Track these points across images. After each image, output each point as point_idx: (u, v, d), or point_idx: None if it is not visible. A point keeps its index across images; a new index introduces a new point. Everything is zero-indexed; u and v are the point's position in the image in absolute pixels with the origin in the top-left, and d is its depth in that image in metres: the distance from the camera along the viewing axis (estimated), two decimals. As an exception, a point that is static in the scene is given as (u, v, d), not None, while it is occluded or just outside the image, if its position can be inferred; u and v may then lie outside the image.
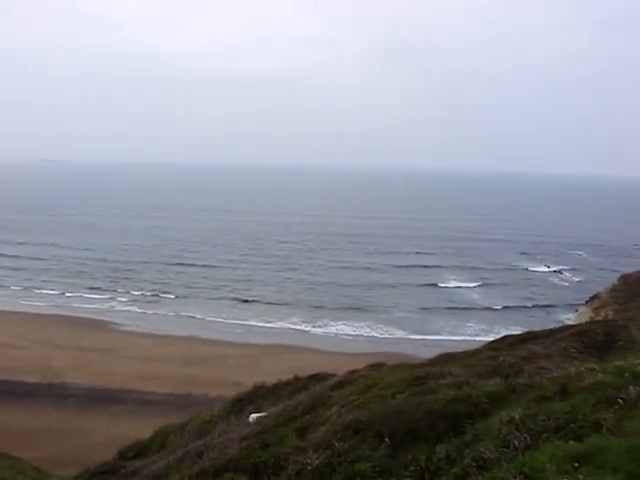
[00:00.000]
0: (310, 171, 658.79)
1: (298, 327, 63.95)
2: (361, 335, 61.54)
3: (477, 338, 55.61)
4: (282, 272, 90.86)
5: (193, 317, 66.46)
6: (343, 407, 13.71)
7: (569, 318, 63.30)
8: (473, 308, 73.17)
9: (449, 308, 73.50)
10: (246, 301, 74.15)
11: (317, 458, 10.49)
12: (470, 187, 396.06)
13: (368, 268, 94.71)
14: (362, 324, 65.14)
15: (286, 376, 23.95)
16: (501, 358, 13.49)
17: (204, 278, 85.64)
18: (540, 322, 58.49)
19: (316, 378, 21.85)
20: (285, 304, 73.38)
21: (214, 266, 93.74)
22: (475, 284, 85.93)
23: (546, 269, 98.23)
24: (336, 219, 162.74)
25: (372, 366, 19.85)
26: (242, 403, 21.68)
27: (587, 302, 56.56)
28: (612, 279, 61.09)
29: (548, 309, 74.13)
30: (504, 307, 74.78)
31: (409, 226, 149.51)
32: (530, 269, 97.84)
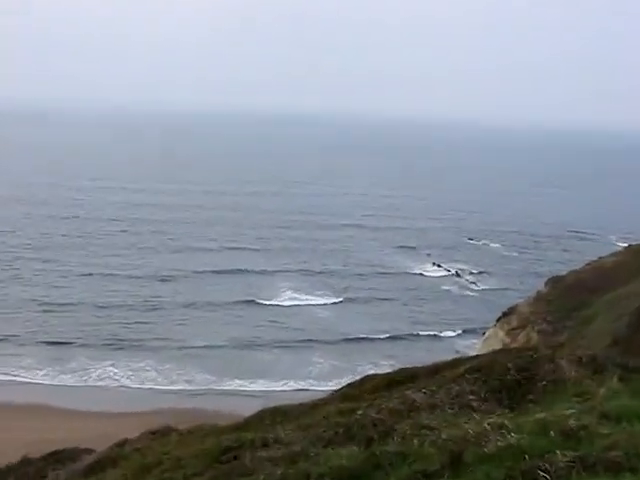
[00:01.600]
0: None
1: (34, 375, 62.44)
2: (139, 383, 61.27)
3: (324, 383, 57.32)
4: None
5: None
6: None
7: (470, 346, 66.86)
8: (318, 340, 75.23)
9: (280, 341, 75.37)
10: None
11: None
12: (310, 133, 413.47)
13: (159, 276, 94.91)
14: (141, 364, 65.04)
15: (12, 458, 23.41)
16: (359, 413, 14.06)
17: None
18: (425, 354, 61.24)
19: (58, 458, 21.54)
20: (10, 339, 71.50)
21: None
22: (326, 299, 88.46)
23: (438, 271, 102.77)
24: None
25: (154, 433, 19.95)
26: None
27: (499, 320, 59.90)
28: (537, 284, 65.14)
29: (439, 333, 77.76)
30: (370, 334, 77.71)
31: (219, 203, 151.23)
32: (413, 271, 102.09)
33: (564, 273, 63.96)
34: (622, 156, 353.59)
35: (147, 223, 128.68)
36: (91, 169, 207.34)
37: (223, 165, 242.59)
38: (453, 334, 77.79)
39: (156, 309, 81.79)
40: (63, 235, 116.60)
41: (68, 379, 62.21)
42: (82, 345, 70.88)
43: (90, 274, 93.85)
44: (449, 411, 13.27)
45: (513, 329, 53.64)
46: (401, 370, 19.17)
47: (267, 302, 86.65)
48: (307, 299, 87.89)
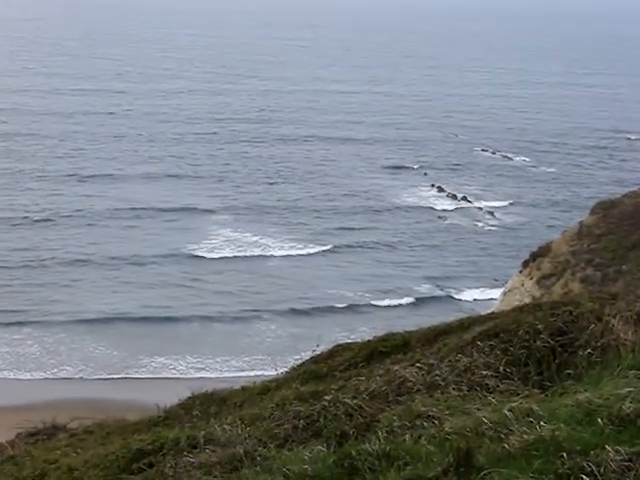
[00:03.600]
0: None
1: None
2: (16, 367, 61.38)
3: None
4: None
5: None
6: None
7: (488, 300, 67.30)
8: (265, 311, 75.08)
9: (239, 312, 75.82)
10: None
11: None
12: None
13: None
14: (21, 338, 65.09)
15: None
16: (328, 398, 14.07)
17: None
18: (424, 313, 61.58)
19: None
20: None
21: None
22: (284, 239, 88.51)
23: (444, 197, 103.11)
24: None
25: (34, 434, 20.01)
26: None
27: (526, 265, 60.21)
28: (579, 213, 65.50)
29: (445, 284, 78.25)
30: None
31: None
32: (409, 200, 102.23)
33: (618, 197, 64.25)
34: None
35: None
36: None
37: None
38: (467, 283, 78.06)
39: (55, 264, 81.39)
40: None
41: None
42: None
43: None
44: (454, 393, 13.29)
45: (545, 277, 53.92)
46: (386, 336, 19.01)
47: (205, 255, 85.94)
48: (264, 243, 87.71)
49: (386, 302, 72.83)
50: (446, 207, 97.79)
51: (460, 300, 71.50)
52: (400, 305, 75.34)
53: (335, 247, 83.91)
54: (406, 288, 75.24)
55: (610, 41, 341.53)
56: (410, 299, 75.32)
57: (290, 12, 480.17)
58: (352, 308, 72.37)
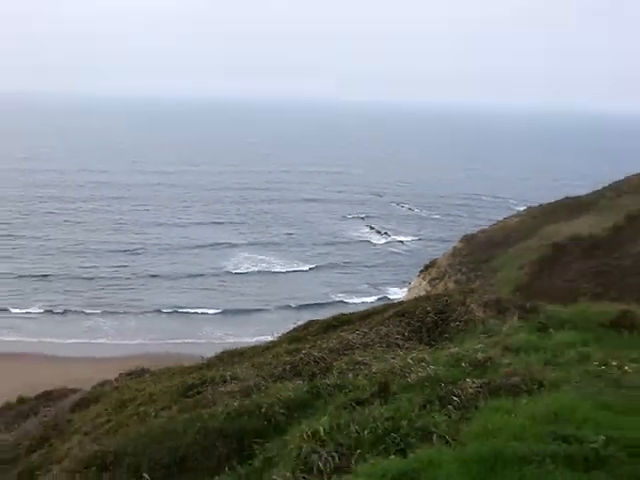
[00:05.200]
0: None
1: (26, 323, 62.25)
2: (120, 331, 61.03)
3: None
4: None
5: None
6: (87, 435, 13.57)
7: (398, 294, 67.47)
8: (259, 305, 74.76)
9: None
10: None
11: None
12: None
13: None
14: (122, 320, 64.66)
15: (5, 399, 23.12)
16: (303, 352, 14.15)
17: None
18: (366, 303, 61.55)
19: (49, 397, 21.38)
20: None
21: None
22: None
23: (375, 234, 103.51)
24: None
25: (130, 374, 19.85)
26: None
27: (421, 272, 60.39)
28: (453, 241, 65.72)
29: (378, 285, 78.41)
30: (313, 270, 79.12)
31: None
32: (355, 236, 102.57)
33: (475, 232, 64.59)
34: (510, 135, 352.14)
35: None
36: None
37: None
38: (387, 284, 78.23)
39: (139, 278, 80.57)
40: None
41: (57, 328, 61.69)
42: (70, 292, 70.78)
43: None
44: (379, 348, 13.36)
45: (433, 279, 54.08)
46: (338, 316, 19.26)
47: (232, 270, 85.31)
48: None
49: (356, 300, 72.07)
50: (377, 240, 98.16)
51: (387, 294, 71.45)
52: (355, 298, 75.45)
53: (317, 266, 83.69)
54: (359, 290, 75.16)
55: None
56: (362, 296, 75.03)
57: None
58: (326, 302, 71.91)
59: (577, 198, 60.74)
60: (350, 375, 11.91)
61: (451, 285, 46.01)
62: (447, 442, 8.39)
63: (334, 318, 18.90)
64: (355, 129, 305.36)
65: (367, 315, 16.98)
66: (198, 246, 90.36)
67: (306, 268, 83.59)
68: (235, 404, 11.60)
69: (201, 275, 78.65)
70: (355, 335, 14.41)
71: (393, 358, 12.10)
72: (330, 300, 71.32)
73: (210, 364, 17.29)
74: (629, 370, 10.63)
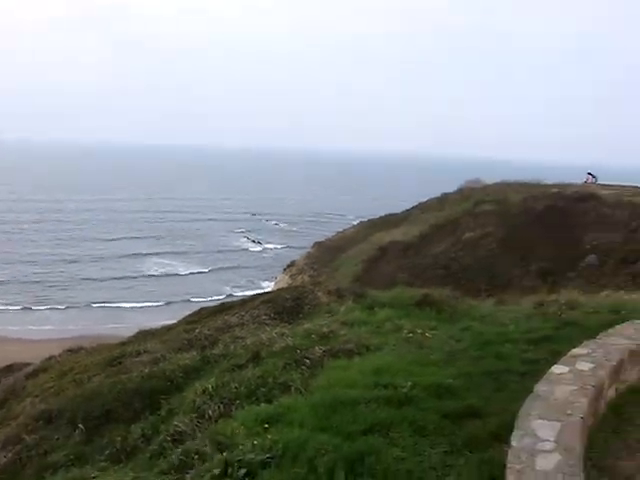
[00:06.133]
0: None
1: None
2: (62, 321, 58.73)
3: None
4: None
5: None
6: (37, 397, 13.20)
7: (269, 286, 67.47)
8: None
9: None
10: None
11: (5, 456, 10.08)
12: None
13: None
14: (63, 310, 62.23)
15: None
16: (197, 330, 14.06)
17: None
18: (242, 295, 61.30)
19: (10, 369, 20.49)
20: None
21: None
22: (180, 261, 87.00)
23: (252, 243, 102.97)
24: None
25: (70, 351, 19.23)
26: None
27: (285, 270, 60.58)
28: (307, 247, 66.18)
29: (256, 281, 78.12)
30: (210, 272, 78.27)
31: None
32: (236, 245, 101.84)
33: (323, 240, 65.26)
34: (353, 168, 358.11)
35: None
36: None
37: None
38: (260, 279, 77.79)
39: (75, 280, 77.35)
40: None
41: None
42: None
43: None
44: (252, 327, 13.41)
45: (293, 275, 54.30)
46: (223, 303, 19.23)
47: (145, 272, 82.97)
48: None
49: (240, 293, 71.02)
50: (253, 248, 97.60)
51: (262, 287, 70.81)
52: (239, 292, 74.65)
53: (212, 269, 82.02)
54: (242, 285, 74.26)
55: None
56: (244, 290, 73.95)
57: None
58: (217, 295, 70.49)
59: (395, 214, 62.01)
60: (232, 347, 11.91)
61: (306, 279, 46.36)
62: (301, 393, 8.57)
63: (220, 305, 18.84)
64: (238, 169, 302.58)
65: (244, 302, 16.95)
66: (121, 256, 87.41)
67: (205, 270, 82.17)
68: (146, 370, 11.51)
69: (123, 277, 76.11)
70: (235, 317, 14.40)
71: (262, 333, 12.17)
72: (221, 293, 70.36)
73: (129, 342, 16.96)
74: (429, 335, 11.08)
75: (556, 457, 5.07)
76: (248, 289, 71.52)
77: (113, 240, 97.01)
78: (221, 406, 8.66)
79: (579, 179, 52.73)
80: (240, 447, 6.74)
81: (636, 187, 45.39)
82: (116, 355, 14.14)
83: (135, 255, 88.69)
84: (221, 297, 66.75)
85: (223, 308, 17.25)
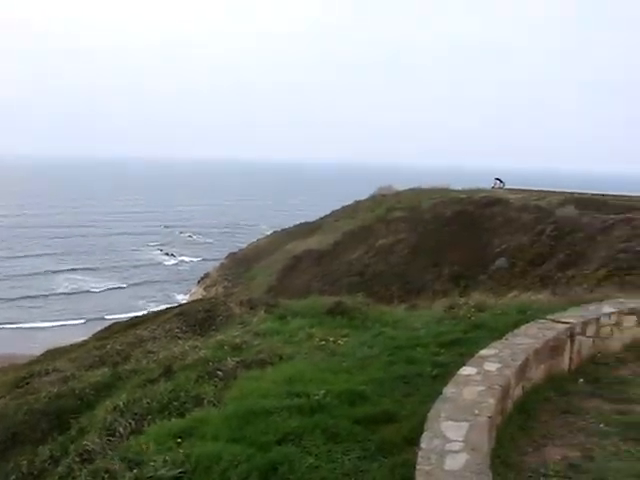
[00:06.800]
0: None
1: None
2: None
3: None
4: None
5: None
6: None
7: (184, 299, 66.44)
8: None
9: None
10: None
11: None
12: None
13: None
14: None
15: None
16: (108, 346, 13.69)
17: None
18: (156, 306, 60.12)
19: None
20: None
21: None
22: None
23: (167, 256, 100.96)
24: None
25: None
26: None
27: (199, 282, 59.89)
28: (221, 258, 65.65)
29: (169, 294, 76.78)
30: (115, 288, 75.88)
31: None
32: (148, 258, 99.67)
33: (237, 250, 64.91)
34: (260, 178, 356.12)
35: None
36: None
37: None
38: (175, 291, 76.44)
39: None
40: None
41: None
42: None
43: None
44: (164, 340, 13.16)
45: (208, 287, 53.75)
46: (134, 317, 18.80)
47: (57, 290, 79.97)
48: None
49: (155, 307, 68.57)
50: (167, 261, 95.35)
51: (177, 300, 69.19)
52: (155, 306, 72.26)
53: (126, 284, 79.24)
54: (157, 299, 72.29)
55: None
56: (159, 304, 71.92)
57: None
58: (131, 310, 67.88)
59: (309, 223, 62.24)
60: (144, 361, 11.67)
61: (220, 290, 45.94)
62: (214, 405, 8.46)
63: (131, 319, 18.42)
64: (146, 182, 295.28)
65: (156, 316, 16.63)
66: (31, 273, 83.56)
67: (119, 285, 79.65)
68: (55, 390, 11.11)
69: (35, 296, 72.83)
70: (147, 332, 14.10)
71: (175, 347, 11.97)
72: (136, 309, 68.66)
73: (37, 361, 16.32)
74: (341, 343, 11.12)
75: (464, 457, 5.15)
76: (163, 303, 70.04)
77: (22, 257, 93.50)
78: (132, 422, 8.45)
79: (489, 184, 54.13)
80: (151, 463, 6.59)
81: (541, 191, 47.24)
82: (23, 375, 13.60)
83: (46, 272, 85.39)
84: (136, 312, 65.30)
85: (135, 323, 16.86)
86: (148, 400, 8.95)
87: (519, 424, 6.93)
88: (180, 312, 14.75)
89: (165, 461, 6.49)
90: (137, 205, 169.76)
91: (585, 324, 9.15)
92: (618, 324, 9.74)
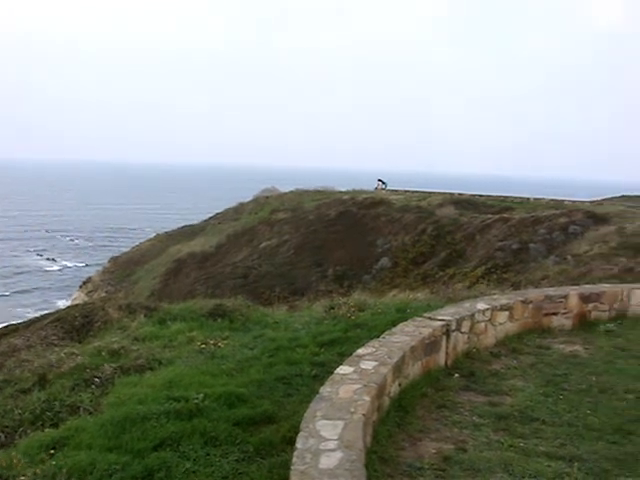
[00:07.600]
0: None
1: None
2: None
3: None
4: None
5: None
6: None
7: (65, 305, 63.64)
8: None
9: None
10: None
11: None
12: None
13: None
14: None
15: None
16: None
17: None
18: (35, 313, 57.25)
19: None
20: None
21: None
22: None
23: (49, 262, 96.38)
24: None
25: None
26: None
27: (80, 287, 57.70)
28: (104, 263, 63.47)
29: (51, 300, 73.23)
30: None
31: None
32: (33, 265, 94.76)
33: (119, 254, 63.10)
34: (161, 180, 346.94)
35: None
36: None
37: None
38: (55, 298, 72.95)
39: None
40: None
41: None
42: None
43: None
44: (40, 348, 12.52)
45: (90, 292, 51.93)
46: (7, 326, 17.76)
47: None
48: None
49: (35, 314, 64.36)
50: (50, 267, 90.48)
51: (58, 306, 65.78)
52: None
53: (12, 292, 74.10)
54: (39, 307, 68.18)
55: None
56: (40, 310, 67.94)
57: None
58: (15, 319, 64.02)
59: (192, 226, 61.54)
60: (17, 371, 11.05)
61: (103, 295, 44.49)
62: (90, 413, 8.18)
63: (4, 328, 17.41)
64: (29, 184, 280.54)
65: (31, 323, 15.81)
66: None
67: (7, 293, 74.74)
68: None
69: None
70: (21, 340, 13.38)
71: (51, 354, 11.43)
72: (16, 316, 65.01)
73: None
74: (222, 345, 11.04)
75: (339, 455, 5.21)
76: (44, 310, 66.78)
77: None
78: (2, 436, 8.01)
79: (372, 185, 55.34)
80: (22, 478, 6.27)
81: (422, 192, 48.88)
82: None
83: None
84: (17, 321, 61.75)
85: (7, 331, 15.95)
86: (20, 411, 8.49)
87: (396, 420, 7.11)
88: (57, 318, 14.11)
89: (35, 474, 6.20)
90: (16, 209, 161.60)
91: (460, 321, 9.50)
92: (492, 320, 10.21)
